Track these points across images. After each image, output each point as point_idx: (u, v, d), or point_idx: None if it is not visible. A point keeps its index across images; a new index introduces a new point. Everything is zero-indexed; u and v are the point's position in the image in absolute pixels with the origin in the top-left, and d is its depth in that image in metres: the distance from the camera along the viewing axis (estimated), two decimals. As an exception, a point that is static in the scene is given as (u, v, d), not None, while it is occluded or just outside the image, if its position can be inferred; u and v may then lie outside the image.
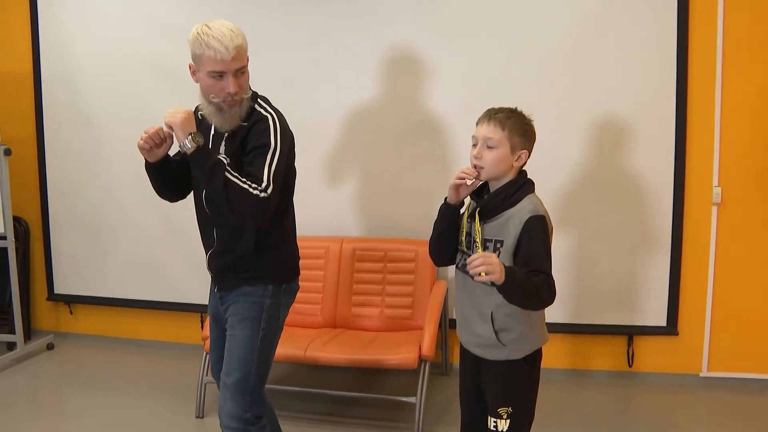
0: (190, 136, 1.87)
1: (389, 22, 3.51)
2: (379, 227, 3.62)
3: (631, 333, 3.44)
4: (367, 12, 3.53)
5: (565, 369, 3.55)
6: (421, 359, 2.90)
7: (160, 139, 1.98)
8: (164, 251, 3.97)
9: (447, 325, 3.49)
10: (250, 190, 1.87)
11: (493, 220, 1.86)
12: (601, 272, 3.41)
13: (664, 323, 3.39)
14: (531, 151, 1.90)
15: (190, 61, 1.98)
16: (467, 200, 1.96)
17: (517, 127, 1.85)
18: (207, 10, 3.68)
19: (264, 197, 1.87)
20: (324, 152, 3.65)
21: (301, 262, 3.47)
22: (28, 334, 4.25)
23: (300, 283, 3.41)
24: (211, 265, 2.17)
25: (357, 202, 3.65)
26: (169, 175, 2.15)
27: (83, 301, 4.24)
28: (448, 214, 1.95)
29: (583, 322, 3.46)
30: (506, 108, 1.89)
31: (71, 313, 4.33)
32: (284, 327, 3.24)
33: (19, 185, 4.11)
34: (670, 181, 3.31)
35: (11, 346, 3.97)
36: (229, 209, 1.88)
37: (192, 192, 2.19)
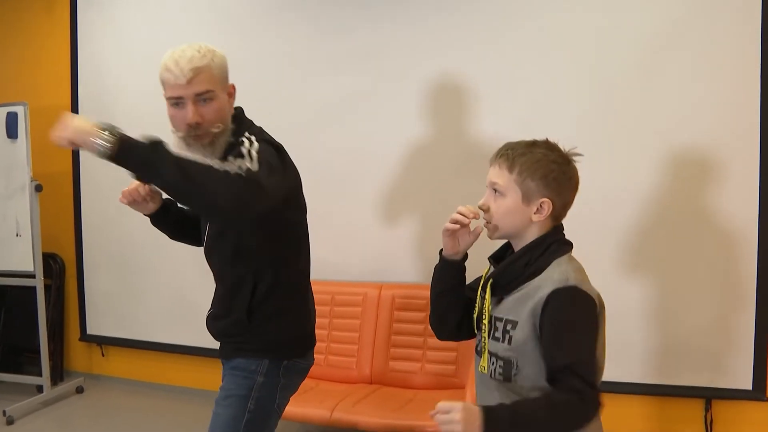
0: (99, 134, 1.41)
1: (437, 51, 3.29)
2: (422, 273, 3.34)
3: (709, 396, 3.02)
4: (414, 40, 3.32)
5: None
6: (464, 426, 2.57)
7: (141, 196, 1.78)
8: (198, 294, 3.75)
9: (496, 381, 3.15)
10: (215, 166, 1.47)
11: (511, 294, 1.42)
12: (675, 326, 3.02)
13: (749, 386, 2.96)
14: (563, 200, 1.43)
15: None
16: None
17: (533, 167, 1.39)
18: (244, 36, 3.60)
19: (237, 172, 1.47)
20: (363, 190, 3.44)
21: (335, 309, 3.34)
22: (60, 375, 4.17)
23: (334, 333, 3.26)
24: (208, 328, 1.91)
25: (399, 244, 3.40)
26: (176, 221, 1.94)
27: (115, 342, 4.13)
28: (444, 272, 1.54)
29: (657, 383, 3.07)
30: (525, 141, 1.45)
31: (103, 354, 4.22)
32: (315, 381, 3.03)
33: (55, 221, 4.08)
34: (755, 221, 2.89)
35: (40, 388, 3.85)
36: (197, 188, 1.44)
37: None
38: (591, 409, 1.29)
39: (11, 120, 3.70)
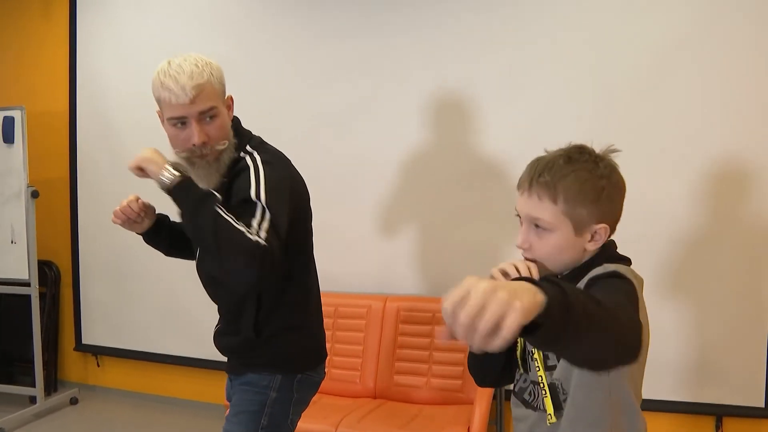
0: (167, 167, 1.53)
1: (439, 59, 3.23)
2: (427, 285, 3.28)
3: (720, 413, 2.96)
4: (416, 48, 3.26)
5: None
6: (471, 443, 2.50)
7: (135, 213, 1.72)
8: (196, 304, 3.68)
9: (502, 397, 3.09)
10: (246, 233, 1.45)
11: None
12: (686, 342, 2.97)
13: (762, 404, 2.89)
14: (615, 216, 1.22)
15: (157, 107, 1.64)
16: None
17: (581, 190, 1.14)
18: (246, 47, 3.57)
19: (261, 245, 1.44)
20: (367, 201, 3.37)
21: (339, 321, 3.29)
22: (54, 386, 4.09)
23: (337, 346, 3.18)
24: (217, 344, 1.84)
25: (403, 256, 3.33)
26: (169, 236, 1.86)
27: (110, 353, 4.04)
28: None
29: (665, 398, 3.01)
30: (559, 156, 1.19)
31: (98, 365, 4.12)
32: (318, 395, 2.95)
33: (50, 228, 4.01)
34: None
35: (33, 399, 3.76)
36: (218, 252, 1.46)
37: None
38: (640, 333, 0.96)
39: (8, 124, 3.62)
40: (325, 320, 3.10)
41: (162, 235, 1.83)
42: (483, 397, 2.61)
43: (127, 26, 3.83)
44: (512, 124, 3.12)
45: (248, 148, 1.66)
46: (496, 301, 0.73)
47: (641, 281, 1.18)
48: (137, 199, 1.74)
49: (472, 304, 0.73)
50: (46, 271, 4.04)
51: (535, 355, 1.23)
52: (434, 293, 3.23)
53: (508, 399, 3.09)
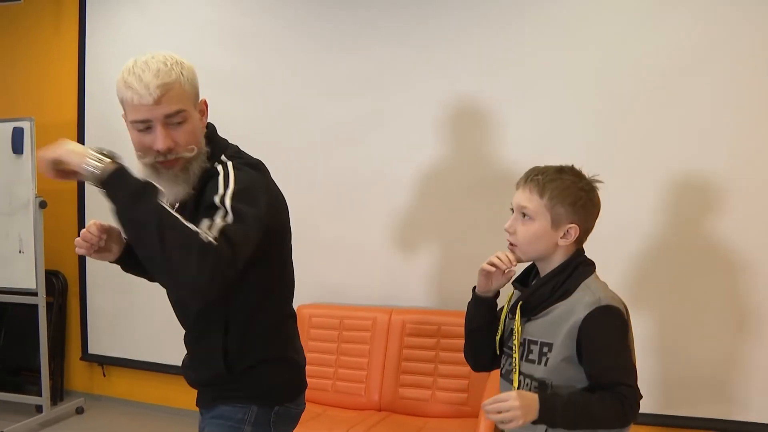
0: (91, 153, 1.28)
1: (450, 73, 3.23)
2: (433, 298, 3.27)
3: (722, 429, 2.93)
4: (426, 60, 3.27)
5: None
6: (475, 457, 2.50)
7: (96, 237, 1.54)
8: (201, 313, 3.74)
9: (508, 410, 3.07)
10: (198, 232, 1.24)
11: (539, 316, 1.46)
12: (687, 356, 2.95)
13: (765, 420, 2.86)
14: (587, 225, 1.47)
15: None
16: (508, 287, 1.58)
17: (563, 193, 1.43)
18: (255, 55, 3.57)
19: (213, 244, 1.23)
20: (373, 213, 3.37)
21: (344, 333, 3.28)
22: (61, 395, 4.09)
23: (343, 358, 3.18)
24: (186, 378, 1.68)
25: (409, 269, 3.32)
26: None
27: (117, 362, 4.04)
28: (479, 307, 1.56)
29: (669, 413, 2.98)
30: (553, 167, 1.48)
31: (104, 374, 4.13)
32: (322, 407, 2.94)
33: (58, 238, 4.00)
34: (770, 252, 2.85)
35: (39, 408, 3.76)
36: (162, 252, 1.21)
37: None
38: (634, 412, 1.37)
39: (17, 135, 3.65)
40: (330, 332, 3.18)
41: (138, 260, 1.47)
42: (488, 411, 2.60)
43: (136, 39, 3.86)
44: (521, 138, 3.12)
45: (223, 157, 1.48)
46: (513, 412, 1.30)
47: (624, 305, 1.45)
48: (95, 222, 1.56)
49: (506, 405, 1.31)
50: (53, 280, 4.05)
51: (515, 343, 1.48)
52: (440, 306, 3.22)
53: (512, 412, 3.12)
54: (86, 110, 4.03)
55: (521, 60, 3.12)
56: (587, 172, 1.51)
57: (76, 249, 1.55)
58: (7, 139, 3.67)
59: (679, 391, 2.97)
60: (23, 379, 4.05)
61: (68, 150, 1.29)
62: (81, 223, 4.06)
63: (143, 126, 1.39)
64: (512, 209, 1.52)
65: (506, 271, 1.51)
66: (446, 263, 3.26)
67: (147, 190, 1.27)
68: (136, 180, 1.28)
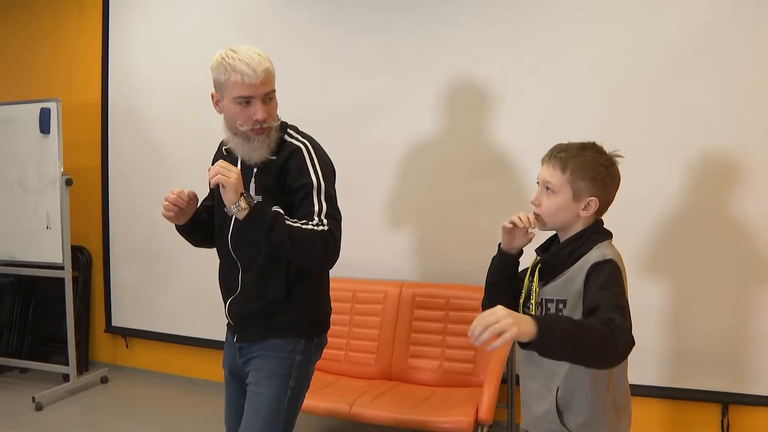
0: (241, 198, 1.69)
1: (458, 54, 3.29)
2: (442, 272, 3.35)
3: (726, 401, 2.99)
4: (434, 43, 3.33)
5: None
6: (478, 424, 2.60)
7: (185, 202, 1.86)
8: (222, 287, 3.85)
9: (513, 380, 3.16)
10: (314, 228, 1.74)
11: (556, 278, 1.56)
12: (694, 329, 3.00)
13: (767, 392, 2.92)
14: (606, 198, 1.58)
15: (212, 90, 1.84)
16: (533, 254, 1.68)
17: (584, 168, 1.53)
18: (269, 36, 3.64)
19: (326, 231, 1.74)
20: (384, 190, 3.46)
21: (356, 306, 3.39)
22: (86, 366, 4.25)
23: (355, 330, 3.29)
24: (233, 312, 1.95)
25: (419, 244, 3.41)
26: (204, 230, 2.01)
27: (139, 335, 4.19)
28: (502, 263, 1.67)
29: (674, 386, 3.05)
30: (575, 144, 1.58)
31: (127, 346, 4.28)
32: (335, 376, 3.07)
33: (83, 215, 4.15)
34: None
35: (66, 377, 3.93)
36: (299, 255, 1.75)
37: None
38: (624, 342, 1.31)
39: (44, 115, 3.77)
40: (343, 305, 3.30)
41: (199, 227, 1.98)
42: (492, 380, 2.69)
43: (159, 21, 3.96)
44: (527, 118, 3.17)
45: (289, 131, 1.89)
46: (505, 320, 1.22)
47: (620, 257, 1.55)
48: (190, 192, 1.87)
49: (493, 317, 1.24)
50: (79, 256, 4.20)
51: (532, 302, 1.58)
52: (448, 280, 3.30)
53: (518, 383, 3.19)
54: (110, 91, 4.13)
55: (528, 42, 3.17)
56: (608, 148, 1.60)
57: (164, 212, 1.85)
58: (35, 120, 3.80)
59: (690, 364, 3.02)
60: (51, 349, 4.24)
61: (232, 186, 1.67)
62: (105, 201, 4.19)
63: (245, 101, 1.76)
64: (537, 183, 1.62)
65: (528, 232, 1.61)
66: (455, 239, 3.34)
67: (277, 220, 1.70)
68: (269, 214, 1.71)
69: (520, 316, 1.26)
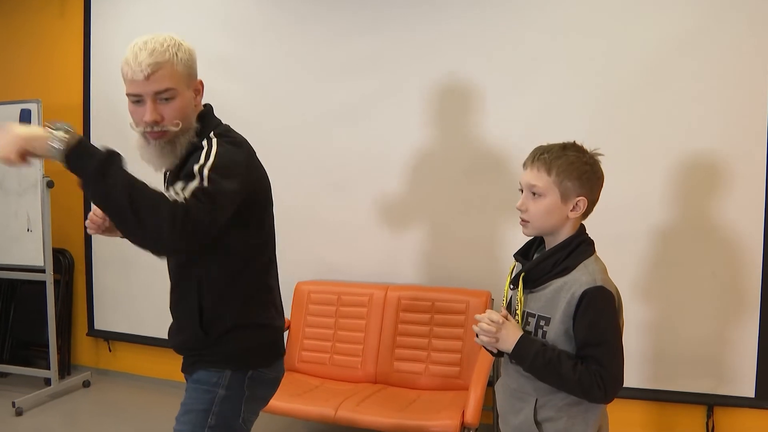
0: (52, 135, 1.32)
1: (446, 55, 3.28)
2: (428, 275, 3.34)
3: (711, 403, 3.01)
4: (424, 44, 3.31)
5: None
6: (464, 427, 2.58)
7: (101, 218, 1.70)
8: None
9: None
10: (164, 193, 1.36)
11: (539, 289, 1.54)
12: (678, 332, 3.01)
13: (752, 394, 2.94)
14: (593, 197, 1.54)
15: None
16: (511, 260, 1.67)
17: (569, 168, 1.50)
18: (254, 37, 3.63)
19: (180, 202, 1.35)
20: (370, 192, 3.43)
21: (341, 309, 3.36)
22: (68, 369, 4.19)
23: (340, 333, 3.26)
24: (171, 344, 1.76)
25: (404, 247, 3.39)
26: None
27: (122, 338, 4.14)
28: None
29: (659, 388, 3.06)
30: (557, 145, 1.55)
31: (110, 350, 4.23)
32: (320, 380, 3.03)
33: (64, 217, 4.09)
34: (760, 230, 2.88)
35: (48, 381, 3.87)
36: (133, 213, 1.31)
37: None
38: (602, 398, 1.44)
39: (24, 117, 3.73)
40: (328, 308, 3.27)
41: None
42: (478, 383, 2.67)
43: (141, 21, 3.91)
44: (514, 120, 3.16)
45: (211, 135, 1.58)
46: (491, 336, 1.50)
47: (607, 275, 1.53)
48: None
49: (486, 328, 1.51)
50: (60, 258, 4.14)
51: (518, 314, 1.57)
52: (434, 283, 3.29)
53: (504, 386, 3.19)
54: (92, 92, 4.09)
55: (516, 43, 3.16)
56: (588, 147, 1.59)
57: (88, 230, 1.71)
58: (15, 121, 3.74)
59: (671, 367, 3.03)
60: (32, 353, 4.18)
61: (29, 137, 1.33)
62: (87, 203, 4.12)
63: (135, 99, 1.53)
64: (521, 189, 1.57)
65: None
66: (440, 242, 3.33)
67: (111, 159, 1.34)
68: (100, 151, 1.34)
69: (508, 337, 1.48)
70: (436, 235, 3.34)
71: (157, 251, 1.43)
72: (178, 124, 1.54)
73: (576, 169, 1.50)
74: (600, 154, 1.58)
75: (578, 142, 1.58)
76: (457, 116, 3.29)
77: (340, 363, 3.16)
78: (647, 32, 2.96)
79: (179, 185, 1.41)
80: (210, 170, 1.44)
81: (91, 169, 1.32)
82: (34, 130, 1.34)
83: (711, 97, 2.89)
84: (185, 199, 1.36)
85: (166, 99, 1.52)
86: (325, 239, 3.51)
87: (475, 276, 3.21)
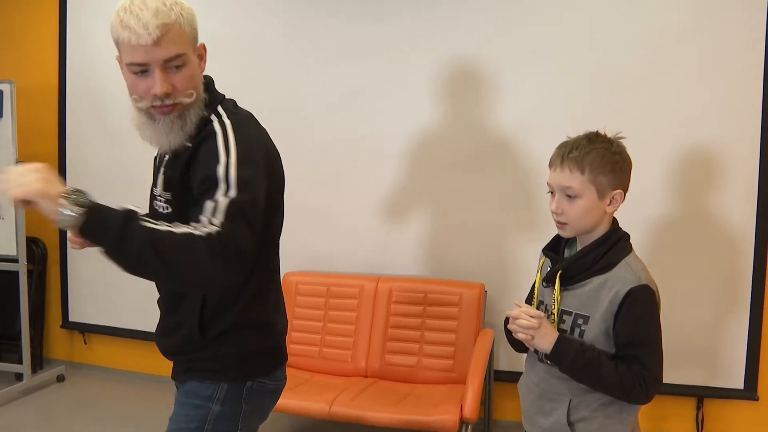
0: (64, 201, 1.16)
1: (449, 40, 3.21)
2: (420, 266, 3.29)
3: (701, 395, 3.03)
4: (426, 29, 3.24)
5: None
6: (462, 421, 2.53)
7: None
8: (185, 281, 3.71)
9: (492, 376, 3.13)
10: (189, 231, 1.20)
11: (576, 287, 1.48)
12: (669, 325, 2.96)
13: (741, 386, 2.97)
14: (627, 186, 1.50)
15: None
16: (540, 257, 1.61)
17: (602, 163, 1.43)
18: (252, 21, 3.50)
19: (208, 233, 1.19)
20: (362, 181, 3.36)
21: (331, 301, 3.29)
22: (41, 363, 4.05)
23: (330, 326, 3.18)
24: (159, 348, 1.56)
25: (396, 237, 3.33)
26: None
27: (98, 330, 4.01)
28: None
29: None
30: (582, 138, 1.48)
31: (85, 342, 4.09)
32: (309, 373, 2.95)
33: (38, 205, 3.93)
34: (752, 224, 2.90)
35: (20, 376, 3.73)
36: (173, 274, 1.20)
37: None
38: (644, 399, 1.42)
39: (-4, 98, 3.57)
40: (317, 299, 3.19)
41: None
42: (476, 377, 2.62)
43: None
44: (511, 110, 3.12)
45: (219, 108, 1.42)
46: (529, 333, 1.43)
47: (649, 273, 1.49)
48: None
49: (523, 323, 1.44)
50: (33, 248, 3.99)
51: (553, 312, 1.50)
52: (427, 274, 3.24)
53: (497, 379, 3.16)
54: (68, 72, 3.93)
55: (520, 29, 3.12)
56: (609, 132, 1.54)
57: (72, 246, 1.43)
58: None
59: (665, 359, 3.03)
60: (3, 346, 4.00)
61: (43, 193, 1.16)
62: (62, 190, 3.99)
63: (140, 69, 1.31)
64: (550, 192, 1.50)
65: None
66: (433, 232, 3.28)
67: (130, 220, 1.19)
68: (114, 219, 1.18)
69: (545, 336, 1.42)
70: (429, 226, 3.28)
71: (211, 290, 1.33)
72: (191, 95, 1.35)
73: (608, 162, 1.44)
74: (623, 137, 1.53)
75: (601, 131, 1.52)
76: (452, 106, 3.23)
77: (330, 356, 3.09)
78: (645, 23, 2.94)
79: (209, 207, 1.23)
80: (236, 168, 1.28)
81: (108, 240, 1.18)
82: (51, 186, 1.17)
83: (706, 90, 2.89)
84: (217, 227, 1.20)
85: (177, 66, 1.32)
86: (313, 228, 3.42)
87: (469, 267, 3.17)
